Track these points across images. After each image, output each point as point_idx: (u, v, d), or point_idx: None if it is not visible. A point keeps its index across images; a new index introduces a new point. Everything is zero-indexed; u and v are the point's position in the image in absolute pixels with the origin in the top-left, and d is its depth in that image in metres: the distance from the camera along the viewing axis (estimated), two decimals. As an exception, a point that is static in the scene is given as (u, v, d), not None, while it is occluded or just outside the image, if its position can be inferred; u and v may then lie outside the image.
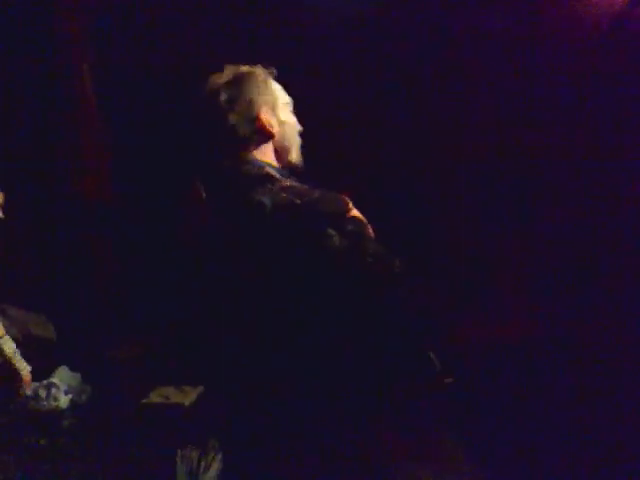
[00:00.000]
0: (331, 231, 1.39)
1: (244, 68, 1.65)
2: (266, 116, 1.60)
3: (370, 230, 1.48)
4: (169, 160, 3.00)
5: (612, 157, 2.86)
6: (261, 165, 1.56)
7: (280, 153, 1.65)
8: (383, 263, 1.38)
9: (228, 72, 1.64)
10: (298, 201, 1.43)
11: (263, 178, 1.51)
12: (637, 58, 2.80)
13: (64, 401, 2.66)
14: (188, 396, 2.76)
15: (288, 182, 1.52)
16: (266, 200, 1.44)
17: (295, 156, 1.68)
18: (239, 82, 1.62)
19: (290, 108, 1.68)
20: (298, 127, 1.69)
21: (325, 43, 2.97)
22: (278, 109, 1.64)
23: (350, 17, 2.92)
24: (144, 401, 2.73)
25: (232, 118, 1.57)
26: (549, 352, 2.83)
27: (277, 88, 1.68)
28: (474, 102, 2.99)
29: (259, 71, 1.66)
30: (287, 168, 1.64)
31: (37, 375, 2.67)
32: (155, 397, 2.76)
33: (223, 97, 1.58)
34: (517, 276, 3.02)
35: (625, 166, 2.85)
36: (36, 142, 2.98)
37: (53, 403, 2.63)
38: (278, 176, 1.53)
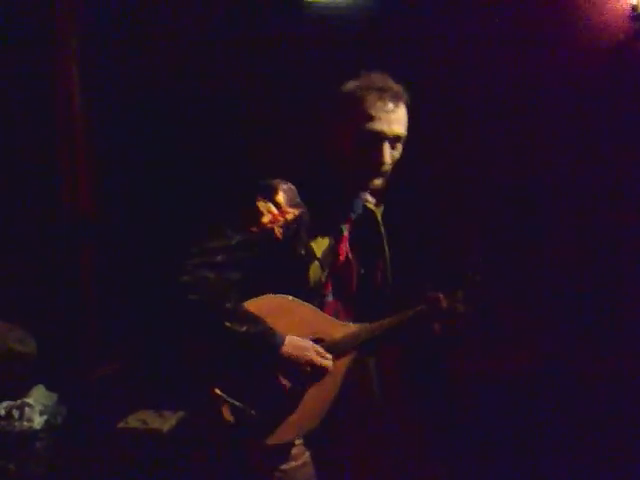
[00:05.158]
0: None
1: None
2: None
3: None
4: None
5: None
6: None
7: None
8: None
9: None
10: None
11: None
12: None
13: (38, 422, 2.56)
14: (167, 422, 2.67)
15: None
16: None
17: None
18: None
19: None
20: None
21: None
22: None
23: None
24: (121, 425, 2.64)
25: None
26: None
27: None
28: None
29: None
30: None
31: (13, 393, 2.59)
32: (133, 421, 2.67)
33: None
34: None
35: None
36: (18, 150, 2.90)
37: (26, 424, 2.53)
38: None
